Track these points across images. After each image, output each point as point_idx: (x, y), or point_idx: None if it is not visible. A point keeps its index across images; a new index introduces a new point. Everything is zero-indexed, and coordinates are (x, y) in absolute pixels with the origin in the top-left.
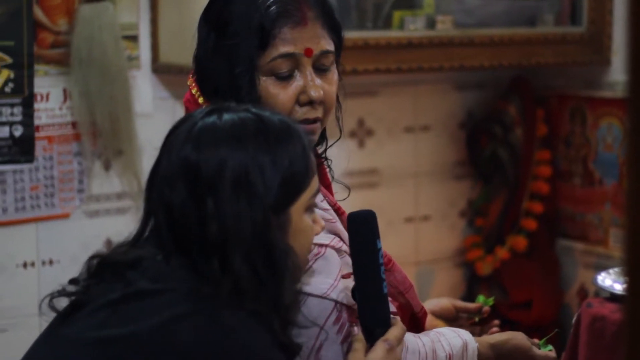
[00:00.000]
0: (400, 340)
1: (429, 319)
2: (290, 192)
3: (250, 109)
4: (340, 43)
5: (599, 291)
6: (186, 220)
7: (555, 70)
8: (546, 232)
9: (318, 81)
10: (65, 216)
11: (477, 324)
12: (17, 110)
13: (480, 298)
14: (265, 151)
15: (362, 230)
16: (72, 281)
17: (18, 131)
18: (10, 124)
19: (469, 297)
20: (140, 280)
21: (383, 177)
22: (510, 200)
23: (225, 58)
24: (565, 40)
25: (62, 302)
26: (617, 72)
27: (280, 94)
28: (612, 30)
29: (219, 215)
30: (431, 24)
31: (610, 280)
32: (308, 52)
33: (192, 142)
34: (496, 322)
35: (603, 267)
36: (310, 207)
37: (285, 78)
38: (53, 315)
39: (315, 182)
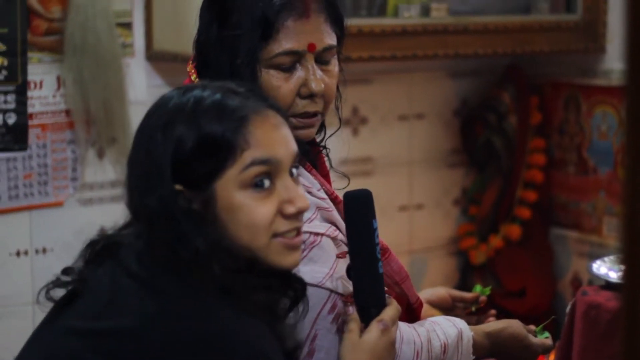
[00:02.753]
0: (394, 320)
1: (425, 308)
2: (211, 168)
3: (195, 88)
4: (343, 34)
5: (593, 279)
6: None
7: (549, 58)
8: (540, 220)
9: (319, 74)
10: (58, 204)
11: (473, 314)
12: (11, 97)
13: (477, 287)
14: (179, 126)
15: (358, 209)
16: (66, 270)
17: (11, 119)
18: (4, 111)
19: (463, 285)
20: (128, 262)
21: (377, 166)
22: (504, 188)
23: (227, 49)
24: (560, 28)
25: (60, 292)
26: (612, 60)
27: (282, 87)
28: (607, 18)
29: (136, 192)
30: (426, 11)
31: (606, 268)
32: (311, 47)
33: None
34: (493, 312)
35: (597, 256)
36: (251, 184)
37: (287, 70)
38: (50, 304)
39: (251, 155)
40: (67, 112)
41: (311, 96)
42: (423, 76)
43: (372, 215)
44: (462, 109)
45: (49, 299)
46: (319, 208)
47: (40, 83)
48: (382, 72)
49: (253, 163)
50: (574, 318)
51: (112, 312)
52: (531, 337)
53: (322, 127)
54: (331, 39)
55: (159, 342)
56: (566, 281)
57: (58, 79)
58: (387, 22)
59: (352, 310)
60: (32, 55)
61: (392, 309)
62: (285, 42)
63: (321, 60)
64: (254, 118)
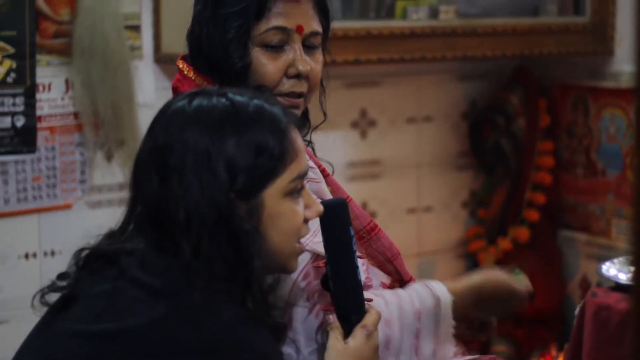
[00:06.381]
0: (376, 325)
1: None
2: (261, 178)
3: (227, 93)
4: (328, 27)
5: (602, 281)
6: (158, 206)
7: (558, 60)
8: (548, 222)
9: (306, 57)
10: (67, 207)
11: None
12: (19, 100)
13: None
14: (231, 135)
15: (334, 219)
16: (61, 275)
17: (20, 121)
18: (12, 114)
19: None
20: (132, 269)
21: (385, 168)
22: (512, 190)
23: (220, 26)
24: (569, 30)
25: (54, 297)
26: (621, 62)
27: (270, 64)
28: (616, 20)
29: (183, 200)
30: (434, 13)
31: (615, 270)
32: (299, 28)
33: (162, 128)
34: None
35: (605, 258)
36: (293, 192)
37: (275, 50)
38: (45, 309)
39: (298, 166)
40: (76, 115)
41: (297, 76)
42: (431, 79)
43: (349, 223)
44: (471, 112)
45: (44, 303)
46: (307, 179)
47: (49, 86)
48: (390, 74)
49: (300, 175)
50: (584, 320)
51: (113, 315)
52: (514, 283)
53: (307, 121)
54: (317, 26)
55: (166, 343)
56: (575, 283)
57: (66, 81)
58: (395, 24)
59: (332, 318)
60: (41, 58)
61: (373, 315)
62: (275, 19)
63: (307, 45)
64: (291, 126)
